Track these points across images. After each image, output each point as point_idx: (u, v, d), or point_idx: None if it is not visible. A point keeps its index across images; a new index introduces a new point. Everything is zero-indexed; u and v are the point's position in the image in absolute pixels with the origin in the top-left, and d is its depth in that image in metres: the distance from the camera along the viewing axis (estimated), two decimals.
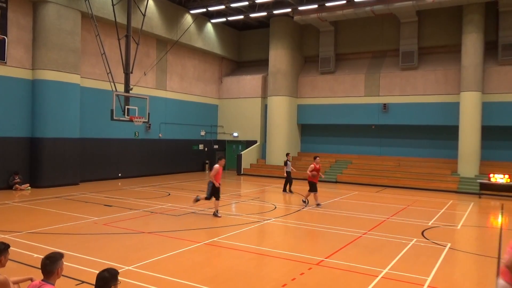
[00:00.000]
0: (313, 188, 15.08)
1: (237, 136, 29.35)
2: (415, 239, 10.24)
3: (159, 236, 9.91)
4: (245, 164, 27.50)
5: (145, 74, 22.71)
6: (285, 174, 18.72)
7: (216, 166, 12.39)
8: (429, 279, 7.30)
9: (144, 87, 23.13)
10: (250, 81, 29.06)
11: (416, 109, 23.93)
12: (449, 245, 9.81)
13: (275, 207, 14.76)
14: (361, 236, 10.51)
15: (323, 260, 8.21)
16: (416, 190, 20.80)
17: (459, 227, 12.40)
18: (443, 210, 15.13)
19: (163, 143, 25.03)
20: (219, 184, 12.38)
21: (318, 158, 15.50)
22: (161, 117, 24.61)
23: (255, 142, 28.62)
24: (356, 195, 18.50)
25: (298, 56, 28.06)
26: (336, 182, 23.51)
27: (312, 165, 15.05)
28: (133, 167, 23.00)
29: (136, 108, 18.68)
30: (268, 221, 12.30)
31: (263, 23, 28.46)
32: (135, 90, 20.37)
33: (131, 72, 18.99)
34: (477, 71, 21.61)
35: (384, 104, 24.75)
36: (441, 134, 23.96)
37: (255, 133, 28.75)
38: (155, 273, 7.14)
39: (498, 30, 22.05)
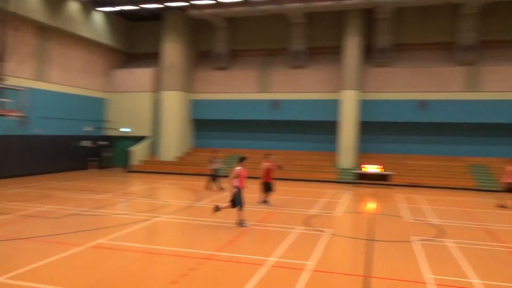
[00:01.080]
0: (268, 188, 14.54)
1: (127, 132, 28.09)
2: (300, 227, 10.97)
3: (37, 241, 9.11)
4: (135, 160, 26.49)
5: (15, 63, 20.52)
6: (212, 172, 18.05)
7: (238, 168, 11.07)
8: (311, 263, 7.90)
9: (21, 78, 20.90)
10: (142, 75, 28.03)
11: (303, 105, 25.48)
12: (329, 231, 10.70)
13: (167, 204, 14.55)
14: (250, 227, 10.91)
15: (213, 254, 8.36)
16: (302, 182, 22.21)
17: (337, 214, 13.57)
18: (324, 199, 16.39)
19: (42, 140, 22.80)
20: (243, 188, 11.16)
21: (271, 155, 14.89)
22: (40, 111, 22.42)
23: (145, 137, 27.72)
24: (248, 189, 19.06)
25: (192, 51, 27.87)
26: (225, 176, 23.88)
27: (265, 164, 14.49)
28: (5, 167, 20.60)
29: (11, 101, 16.85)
30: (158, 218, 12.09)
31: (156, 15, 27.59)
32: (12, 82, 18.32)
33: (5, 61, 17.01)
34: (356, 71, 23.77)
35: (275, 101, 25.89)
36: (324, 129, 25.87)
37: (146, 129, 27.84)
38: (33, 282, 6.58)
39: (375, 34, 24.48)
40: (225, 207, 11.16)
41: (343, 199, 16.82)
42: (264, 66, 26.74)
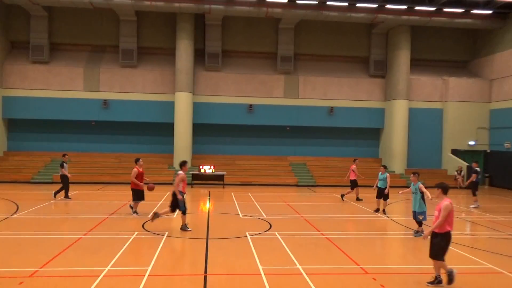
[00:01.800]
0: (139, 197, 13.27)
1: None
2: (136, 233, 10.56)
3: None
4: None
5: None
6: (63, 178, 15.91)
7: (181, 173, 10.84)
8: (150, 268, 7.68)
9: None
10: None
11: (136, 106, 24.62)
12: (166, 233, 10.59)
13: None
14: (81, 237, 10.02)
15: (37, 271, 7.38)
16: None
17: (175, 215, 13.53)
18: (161, 202, 16.17)
19: None
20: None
21: (141, 160, 13.54)
22: None
23: None
24: (76, 195, 17.47)
25: (3, 40, 24.09)
26: (52, 182, 21.46)
27: (135, 169, 13.16)
28: None
29: None
30: None
31: None
32: None
33: None
34: (188, 74, 24.10)
35: (105, 100, 24.36)
36: (159, 130, 25.52)
37: None
38: None
39: (206, 40, 25.23)
40: (164, 213, 11.14)
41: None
42: (91, 63, 24.88)
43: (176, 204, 10.92)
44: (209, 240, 10.06)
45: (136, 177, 13.15)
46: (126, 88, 24.73)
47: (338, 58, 26.97)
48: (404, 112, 25.14)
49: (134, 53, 24.70)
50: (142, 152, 25.28)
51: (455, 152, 25.68)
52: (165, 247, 9.37)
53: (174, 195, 10.95)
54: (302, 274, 7.63)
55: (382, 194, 14.49)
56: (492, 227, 12.61)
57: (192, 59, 24.32)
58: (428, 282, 7.20)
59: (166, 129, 25.05)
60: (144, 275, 7.29)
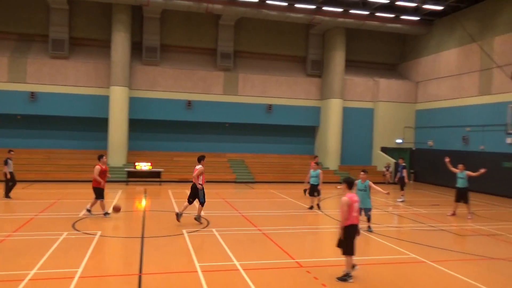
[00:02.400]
0: (100, 195, 12.25)
1: None
2: (65, 233, 10.04)
3: None
4: None
5: None
6: (8, 176, 14.74)
7: (200, 166, 11.50)
8: (80, 269, 7.35)
9: None
10: None
11: (67, 100, 23.32)
12: (99, 233, 10.18)
13: None
14: (3, 239, 9.35)
15: None
16: (68, 183, 20.38)
17: (110, 215, 13.03)
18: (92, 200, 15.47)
19: None
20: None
21: (104, 157, 12.50)
22: None
23: None
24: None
25: None
26: None
27: (98, 167, 12.16)
28: None
29: None
30: None
31: None
32: None
33: None
34: (125, 68, 23.26)
35: (32, 93, 22.81)
36: (92, 125, 24.41)
37: None
38: None
39: (144, 33, 24.47)
40: (185, 208, 11.57)
41: (114, 199, 16.26)
42: (17, 53, 23.19)
43: (195, 195, 11.54)
44: (144, 239, 9.82)
45: (99, 174, 12.27)
46: (56, 80, 23.33)
47: (277, 56, 27.45)
48: (338, 111, 26.15)
49: (66, 43, 23.36)
50: (73, 148, 24.11)
51: (384, 149, 27.18)
52: (97, 247, 9.01)
53: (193, 187, 11.59)
54: (239, 270, 7.70)
55: (314, 191, 14.90)
56: (415, 220, 13.52)
57: (129, 53, 23.50)
58: (337, 278, 7.34)
59: (99, 124, 24.02)
60: (74, 277, 6.96)
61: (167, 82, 24.82)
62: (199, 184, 11.51)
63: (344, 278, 7.26)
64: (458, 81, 23.81)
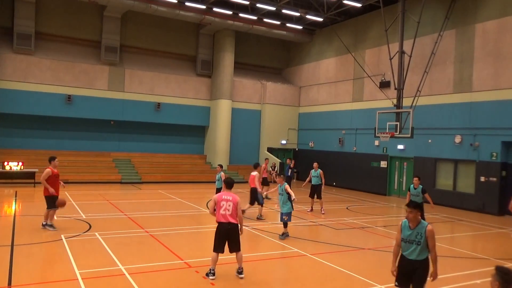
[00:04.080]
0: (52, 204, 10.48)
1: None
2: None
3: None
4: None
5: None
6: None
7: (256, 173, 13.15)
8: None
9: None
10: None
11: None
12: None
13: None
14: None
15: None
16: None
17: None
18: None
19: None
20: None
21: (56, 160, 10.75)
22: None
23: None
24: None
25: None
26: None
27: (48, 170, 10.45)
28: None
29: None
30: None
31: None
32: None
33: None
34: None
35: None
36: None
37: None
38: None
39: (14, 17, 21.93)
40: (248, 208, 13.02)
41: None
42: None
43: (255, 198, 13.01)
44: (14, 247, 8.82)
45: (49, 179, 10.58)
46: None
47: (167, 54, 26.89)
48: (227, 111, 26.62)
49: None
50: None
51: (270, 149, 28.44)
52: None
53: (252, 191, 13.04)
54: (124, 274, 7.38)
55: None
56: (298, 216, 14.43)
57: None
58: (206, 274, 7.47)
59: None
60: None
61: (43, 74, 22.58)
62: (258, 188, 13.07)
63: (207, 274, 7.43)
64: (335, 88, 26.01)
